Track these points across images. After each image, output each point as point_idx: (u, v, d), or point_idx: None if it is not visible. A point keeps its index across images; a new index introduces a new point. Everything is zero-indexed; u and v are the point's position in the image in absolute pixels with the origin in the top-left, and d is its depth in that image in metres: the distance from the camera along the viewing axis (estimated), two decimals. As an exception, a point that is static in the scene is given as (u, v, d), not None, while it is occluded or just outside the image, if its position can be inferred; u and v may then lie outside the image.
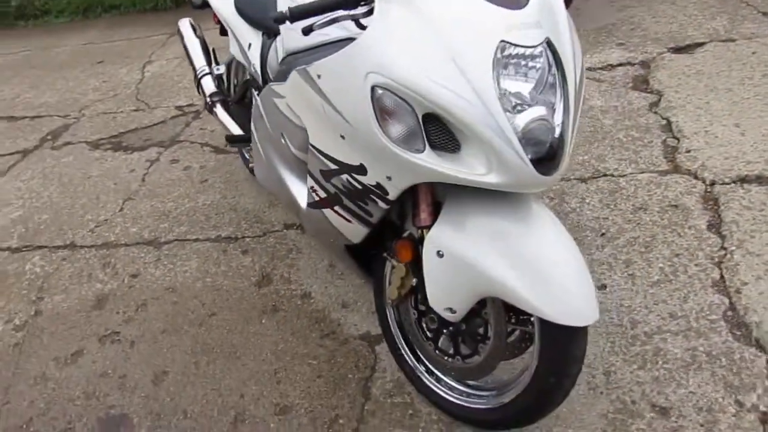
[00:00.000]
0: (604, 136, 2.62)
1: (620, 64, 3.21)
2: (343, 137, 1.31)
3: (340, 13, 1.24)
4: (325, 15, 1.24)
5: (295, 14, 1.26)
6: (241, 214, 2.51)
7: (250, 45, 2.05)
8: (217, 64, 2.41)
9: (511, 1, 1.17)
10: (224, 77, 2.43)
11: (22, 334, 2.07)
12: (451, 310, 1.34)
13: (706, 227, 2.03)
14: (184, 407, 1.72)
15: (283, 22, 1.28)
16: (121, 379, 1.84)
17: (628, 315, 1.77)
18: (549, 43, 1.17)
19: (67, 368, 1.91)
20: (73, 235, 2.54)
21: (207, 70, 2.39)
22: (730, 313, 1.73)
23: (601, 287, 1.88)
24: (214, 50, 2.49)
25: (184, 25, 2.56)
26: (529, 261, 1.22)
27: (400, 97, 1.14)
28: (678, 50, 3.23)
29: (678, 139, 2.50)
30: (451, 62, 1.11)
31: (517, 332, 1.44)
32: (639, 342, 1.69)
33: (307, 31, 1.25)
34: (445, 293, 1.34)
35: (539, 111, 1.14)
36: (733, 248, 1.93)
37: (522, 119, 1.13)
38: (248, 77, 2.16)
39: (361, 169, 1.31)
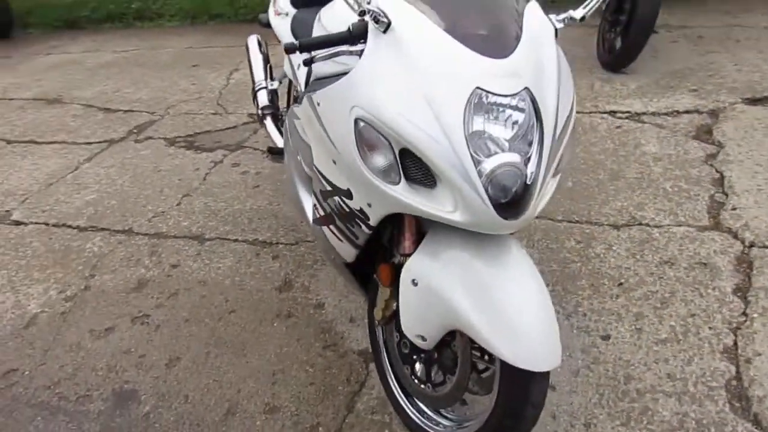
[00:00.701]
0: (650, 184, 2.55)
1: (687, 111, 3.10)
2: (334, 162, 1.40)
3: (343, 48, 1.33)
4: (329, 49, 1.34)
5: (304, 46, 1.37)
6: (280, 221, 2.66)
7: (299, 65, 2.19)
8: (272, 79, 2.59)
9: (495, 49, 1.22)
10: (278, 92, 2.59)
11: (70, 304, 2.31)
12: (422, 337, 1.40)
13: (732, 290, 1.94)
14: (187, 392, 1.86)
15: (294, 52, 1.39)
16: (140, 358, 2.02)
17: (625, 369, 1.73)
18: (529, 93, 1.20)
19: (98, 341, 2.11)
20: (132, 222, 2.79)
21: (264, 85, 2.57)
22: (734, 382, 1.65)
23: (605, 337, 1.84)
24: (271, 66, 2.67)
25: (252, 41, 2.76)
26: (495, 301, 1.26)
27: (379, 132, 1.22)
28: (753, 101, 3.07)
29: (727, 195, 2.40)
30: (426, 104, 1.17)
31: (491, 369, 1.46)
32: (628, 398, 1.65)
33: (307, 62, 1.35)
34: (417, 321, 1.39)
35: (510, 157, 1.18)
36: (756, 315, 1.84)
37: (490, 163, 1.17)
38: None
39: (349, 194, 1.40)
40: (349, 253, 1.55)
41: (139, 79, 4.82)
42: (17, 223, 2.90)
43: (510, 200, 1.18)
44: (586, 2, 1.39)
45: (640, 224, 2.32)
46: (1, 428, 1.81)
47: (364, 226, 1.41)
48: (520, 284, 1.29)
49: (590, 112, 3.23)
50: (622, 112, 3.19)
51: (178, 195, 2.99)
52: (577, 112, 3.18)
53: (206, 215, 2.78)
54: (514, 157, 1.18)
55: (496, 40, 1.27)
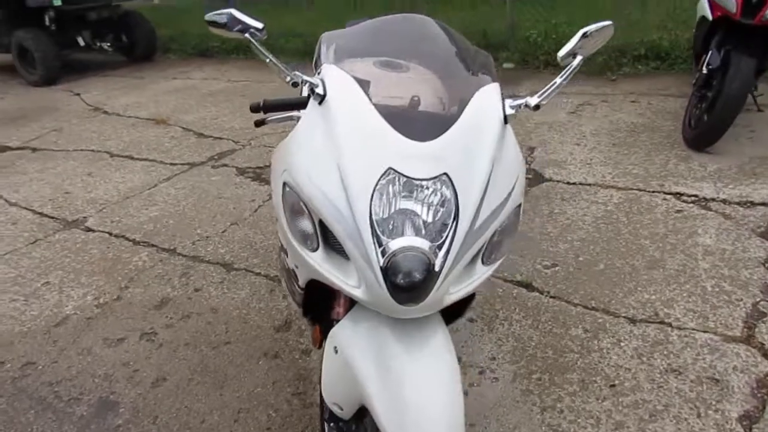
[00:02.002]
0: (689, 279, 2.33)
1: (763, 203, 2.80)
2: (277, 219, 1.45)
3: (294, 113, 1.39)
4: (283, 113, 1.40)
5: (268, 106, 1.45)
6: (304, 261, 2.73)
7: None
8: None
9: (421, 132, 1.21)
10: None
11: (98, 311, 2.52)
12: (338, 406, 1.38)
13: (738, 417, 1.71)
14: (158, 414, 1.96)
15: (259, 111, 1.47)
16: (134, 372, 2.16)
17: (581, 482, 1.58)
18: (449, 179, 1.18)
19: (108, 349, 2.29)
20: (178, 243, 3.01)
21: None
22: None
23: (574, 441, 1.70)
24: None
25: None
26: (400, 388, 1.21)
27: (300, 198, 1.25)
28: (844, 203, 2.71)
29: (772, 306, 2.13)
30: (339, 178, 1.19)
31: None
32: None
33: (258, 123, 1.42)
34: (334, 389, 1.38)
35: (415, 241, 1.15)
36: (754, 452, 1.61)
37: (394, 245, 1.15)
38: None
39: (286, 252, 1.44)
40: (296, 307, 1.58)
41: (238, 108, 5.20)
42: (88, 229, 3.23)
43: (409, 285, 1.15)
44: (543, 90, 1.33)
45: (661, 323, 2.12)
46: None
47: (296, 286, 1.43)
48: (433, 376, 1.24)
49: (653, 191, 3.02)
50: (689, 195, 2.94)
51: (227, 222, 3.17)
52: (639, 190, 3.01)
53: (243, 245, 2.93)
54: (421, 242, 1.16)
55: (426, 122, 1.26)
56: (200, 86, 6.12)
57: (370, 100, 1.25)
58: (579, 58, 1.33)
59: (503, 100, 1.34)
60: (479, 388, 1.93)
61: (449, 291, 1.23)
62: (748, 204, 2.82)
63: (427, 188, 1.17)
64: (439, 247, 1.17)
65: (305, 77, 1.28)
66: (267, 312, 2.42)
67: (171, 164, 4.07)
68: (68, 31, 6.63)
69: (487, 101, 1.30)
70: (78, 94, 6.13)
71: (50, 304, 2.60)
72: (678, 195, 2.97)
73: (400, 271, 1.15)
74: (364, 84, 1.33)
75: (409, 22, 1.53)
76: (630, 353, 2.00)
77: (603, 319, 2.17)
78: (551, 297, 2.32)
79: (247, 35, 1.28)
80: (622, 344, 2.04)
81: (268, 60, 1.28)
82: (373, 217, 1.15)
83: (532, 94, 1.35)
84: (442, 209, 1.17)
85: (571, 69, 1.33)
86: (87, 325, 2.44)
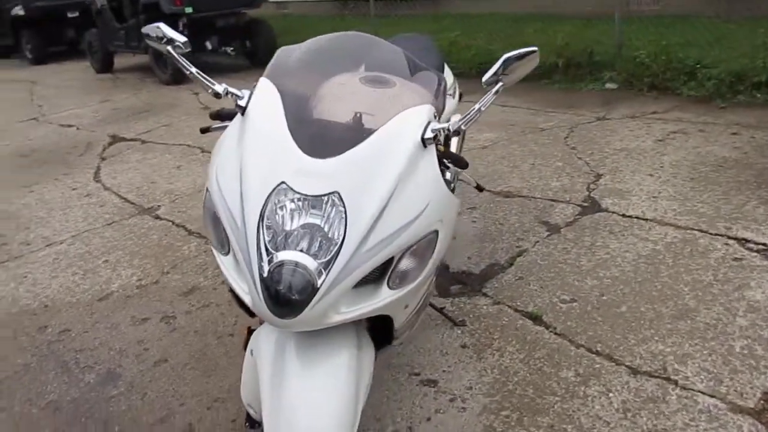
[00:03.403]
0: (718, 335, 2.08)
1: (843, 261, 2.41)
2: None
3: (228, 122, 1.46)
4: (224, 122, 1.48)
5: (223, 115, 1.53)
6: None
7: None
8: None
9: (322, 149, 1.23)
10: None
11: (137, 291, 2.77)
12: (252, 408, 1.43)
13: (710, 496, 1.51)
14: (148, 391, 2.12)
15: (216, 119, 1.56)
16: (144, 350, 2.35)
17: None
18: (339, 197, 1.18)
19: (131, 327, 2.51)
20: (226, 237, 3.20)
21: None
22: None
23: (516, 488, 1.59)
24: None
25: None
26: (289, 403, 1.24)
27: (213, 203, 1.31)
28: None
29: (804, 379, 1.84)
30: (239, 188, 1.24)
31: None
32: None
33: (203, 130, 1.50)
34: (247, 390, 1.44)
35: (296, 256, 1.17)
36: None
37: (279, 256, 1.18)
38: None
39: (219, 255, 1.51)
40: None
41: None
42: (157, 217, 3.54)
43: (285, 298, 1.17)
44: (464, 114, 1.28)
45: (666, 379, 1.91)
46: (28, 369, 2.29)
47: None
48: (324, 398, 1.24)
49: (715, 234, 2.71)
50: (756, 243, 2.61)
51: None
52: (700, 231, 2.74)
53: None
54: (305, 258, 1.17)
55: (336, 140, 1.27)
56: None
57: (286, 114, 1.29)
58: (500, 84, 1.26)
59: (429, 122, 1.31)
60: (443, 416, 1.87)
61: (340, 310, 1.23)
62: (826, 259, 2.44)
63: (316, 204, 1.18)
64: (326, 265, 1.17)
65: (229, 89, 1.35)
66: (276, 311, 2.51)
67: (249, 163, 4.33)
68: (198, 36, 7.27)
69: (407, 122, 1.28)
70: (197, 93, 6.71)
71: (102, 280, 2.89)
72: (743, 241, 2.64)
73: (278, 283, 1.17)
74: (299, 99, 1.37)
75: (361, 41, 1.54)
76: (616, 406, 1.83)
77: (601, 365, 2.00)
78: (555, 334, 2.18)
79: (169, 48, 1.37)
80: (611, 395, 1.87)
81: (188, 72, 1.36)
82: (263, 227, 1.19)
83: (457, 118, 1.30)
84: (328, 226, 1.18)
85: (490, 95, 1.27)
86: (124, 303, 2.69)
